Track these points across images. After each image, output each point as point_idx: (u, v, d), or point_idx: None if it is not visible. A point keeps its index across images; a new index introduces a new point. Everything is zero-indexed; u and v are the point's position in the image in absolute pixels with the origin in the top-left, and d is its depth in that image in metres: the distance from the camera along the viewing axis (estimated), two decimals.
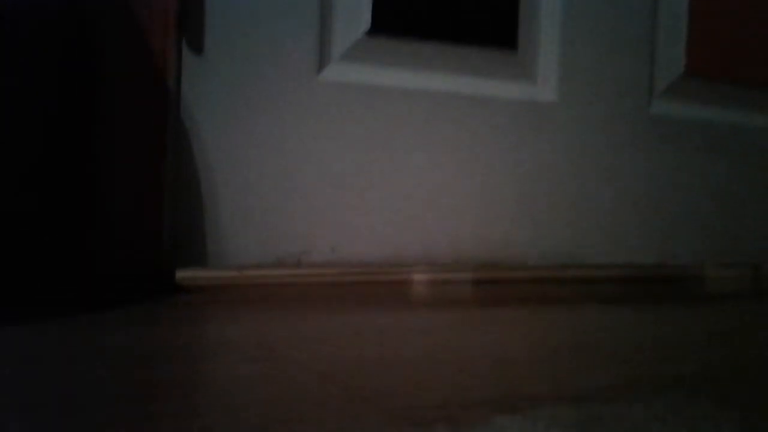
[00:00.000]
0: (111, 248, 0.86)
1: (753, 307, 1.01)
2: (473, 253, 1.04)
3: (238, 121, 0.92)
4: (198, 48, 0.89)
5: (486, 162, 1.05)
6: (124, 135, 0.86)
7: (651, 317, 0.88)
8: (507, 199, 1.06)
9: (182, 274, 0.89)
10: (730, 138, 1.21)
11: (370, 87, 0.98)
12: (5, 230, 0.81)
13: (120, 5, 0.84)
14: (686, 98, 1.17)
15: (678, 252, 1.18)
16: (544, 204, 1.08)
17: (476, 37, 1.04)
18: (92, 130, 0.85)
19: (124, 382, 0.51)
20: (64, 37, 0.83)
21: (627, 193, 1.14)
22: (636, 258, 1.15)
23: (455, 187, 1.03)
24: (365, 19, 0.98)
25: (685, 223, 1.18)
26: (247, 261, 0.93)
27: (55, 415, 0.44)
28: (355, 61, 0.98)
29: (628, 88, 1.13)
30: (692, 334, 0.78)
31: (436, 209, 1.02)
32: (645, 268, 1.16)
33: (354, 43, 0.97)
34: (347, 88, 0.97)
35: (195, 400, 0.51)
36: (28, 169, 0.83)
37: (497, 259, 1.06)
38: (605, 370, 0.61)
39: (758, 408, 0.52)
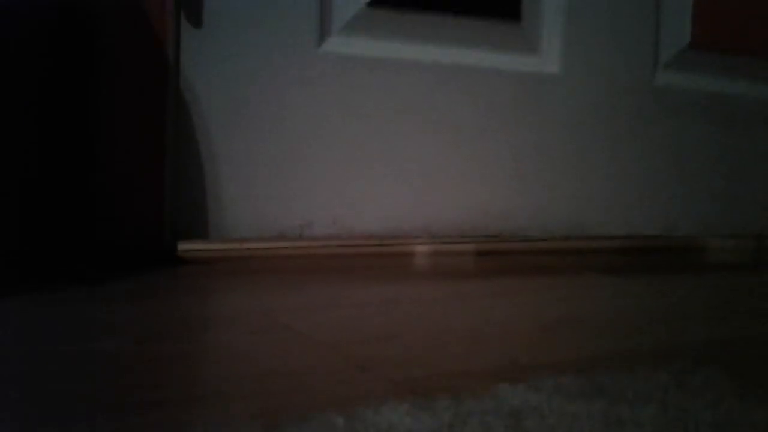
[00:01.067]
0: (112, 221, 0.86)
1: (755, 278, 1.01)
2: (475, 225, 1.04)
3: (238, 93, 0.91)
4: (197, 21, 0.88)
5: (488, 134, 1.04)
6: (124, 108, 0.86)
7: (653, 288, 0.88)
8: (509, 171, 1.06)
9: (184, 247, 0.89)
10: (735, 110, 1.20)
11: (371, 59, 0.97)
12: (4, 202, 0.81)
13: None
14: (691, 70, 1.16)
15: (681, 223, 1.18)
16: (547, 176, 1.08)
17: (479, 8, 1.03)
18: (92, 104, 0.85)
19: (126, 354, 0.51)
20: (61, 7, 0.82)
21: (630, 164, 1.13)
22: (638, 229, 1.14)
23: (457, 159, 1.03)
24: None
25: (688, 195, 1.18)
26: (249, 233, 0.93)
27: (51, 391, 0.44)
28: (356, 32, 0.96)
29: (633, 59, 1.12)
30: (695, 305, 0.78)
31: (438, 181, 1.02)
32: (647, 239, 1.15)
33: (355, 14, 0.96)
34: (348, 60, 0.96)
35: (197, 370, 0.51)
36: (27, 140, 0.82)
37: (499, 231, 1.06)
38: (607, 340, 0.61)
39: (761, 378, 0.52)
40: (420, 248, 1.02)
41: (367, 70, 0.97)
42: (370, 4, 0.96)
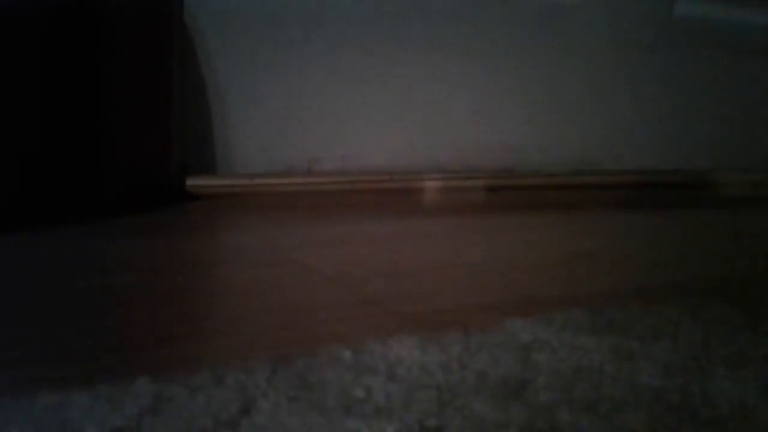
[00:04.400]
0: (119, 157, 0.85)
1: (767, 212, 1.00)
2: (486, 160, 1.03)
3: (244, 26, 0.89)
4: None
5: (501, 66, 1.02)
6: (129, 43, 0.84)
7: (665, 223, 0.87)
8: (520, 105, 1.04)
9: (192, 182, 0.89)
10: (752, 40, 1.16)
11: None
12: (14, 143, 0.80)
13: None
14: None
15: (695, 158, 1.16)
16: (559, 110, 1.06)
17: None
18: (94, 40, 0.83)
19: (136, 289, 0.51)
20: None
21: (645, 98, 1.11)
22: (651, 164, 1.13)
23: (468, 92, 1.01)
24: None
25: (702, 129, 1.16)
26: (257, 169, 0.92)
27: (63, 324, 0.44)
28: None
29: None
30: (707, 240, 0.78)
31: (448, 116, 1.00)
32: (660, 174, 1.14)
33: None
34: None
35: (208, 305, 0.51)
36: (32, 82, 0.81)
37: (510, 166, 1.04)
38: (618, 275, 0.61)
39: None
40: (430, 184, 1.01)
41: (377, 2, 0.94)
42: None
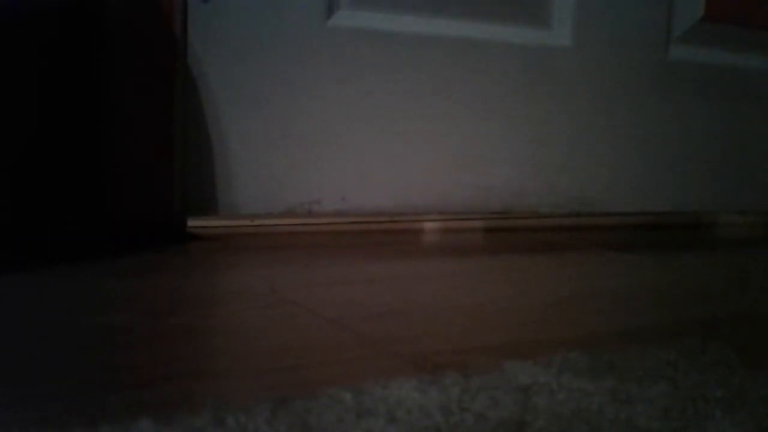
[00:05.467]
0: (121, 197, 0.86)
1: (765, 254, 1.01)
2: (485, 201, 1.04)
3: (246, 69, 0.90)
4: None
5: (498, 109, 1.03)
6: (132, 84, 0.85)
7: (663, 264, 0.87)
8: (519, 147, 1.05)
9: (193, 223, 0.89)
10: (748, 84, 1.18)
11: (380, 33, 0.96)
12: (14, 181, 0.81)
13: None
14: (705, 43, 1.14)
15: (692, 199, 1.17)
16: (557, 152, 1.07)
17: None
18: (99, 81, 0.84)
19: (136, 328, 0.52)
20: None
21: (642, 139, 1.12)
22: (649, 205, 1.14)
23: (466, 135, 1.02)
24: None
25: (699, 171, 1.17)
26: (258, 210, 0.93)
27: (65, 364, 0.45)
28: (364, 6, 0.95)
29: (646, 32, 1.10)
30: (705, 281, 0.78)
31: (448, 157, 1.01)
32: (658, 215, 1.15)
33: None
34: (357, 34, 0.95)
35: (207, 346, 0.51)
36: (35, 118, 0.82)
37: (508, 207, 1.05)
38: (617, 317, 0.61)
39: None
40: (429, 225, 1.02)
41: (377, 44, 0.96)
42: None
